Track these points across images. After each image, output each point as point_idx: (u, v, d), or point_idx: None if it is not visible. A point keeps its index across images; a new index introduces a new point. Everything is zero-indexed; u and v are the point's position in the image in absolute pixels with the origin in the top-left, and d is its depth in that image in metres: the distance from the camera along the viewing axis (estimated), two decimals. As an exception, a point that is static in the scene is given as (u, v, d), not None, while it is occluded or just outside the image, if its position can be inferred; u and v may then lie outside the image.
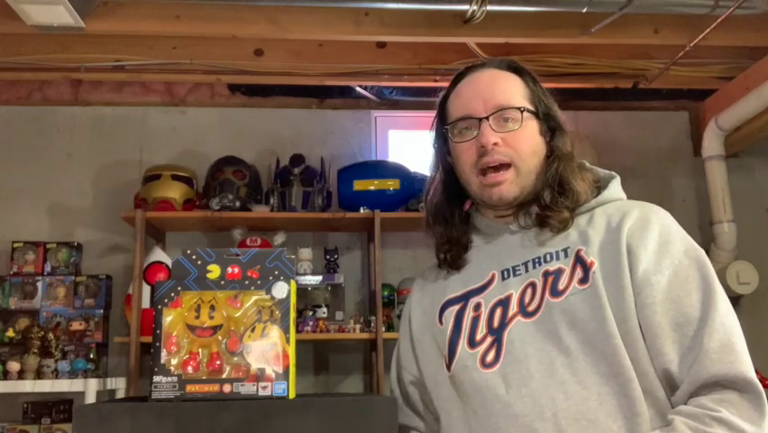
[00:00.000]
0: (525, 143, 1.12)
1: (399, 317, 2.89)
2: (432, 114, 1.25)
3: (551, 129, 1.16)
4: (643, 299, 1.00)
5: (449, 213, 1.21)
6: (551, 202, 1.11)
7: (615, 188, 1.16)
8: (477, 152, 1.12)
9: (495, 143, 1.10)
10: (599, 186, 1.16)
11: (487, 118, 1.12)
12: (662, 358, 0.98)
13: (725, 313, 0.98)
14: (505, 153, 1.11)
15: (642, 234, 1.05)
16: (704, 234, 3.28)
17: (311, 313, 2.86)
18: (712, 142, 3.22)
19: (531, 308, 1.06)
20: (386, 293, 2.95)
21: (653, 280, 1.01)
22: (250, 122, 3.29)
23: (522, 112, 1.12)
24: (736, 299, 3.14)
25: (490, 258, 1.15)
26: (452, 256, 1.19)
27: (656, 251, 1.03)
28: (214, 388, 0.96)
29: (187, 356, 0.97)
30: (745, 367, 0.95)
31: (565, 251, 1.08)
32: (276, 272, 1.04)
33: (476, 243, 1.20)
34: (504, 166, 1.11)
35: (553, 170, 1.13)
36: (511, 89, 1.16)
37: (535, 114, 1.15)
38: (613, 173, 1.19)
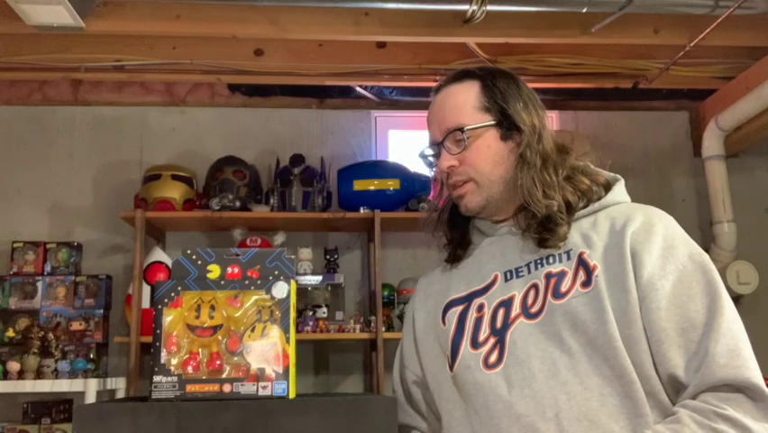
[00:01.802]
0: (479, 159, 1.13)
1: (399, 317, 2.90)
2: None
3: (518, 130, 1.13)
4: (648, 304, 1.00)
5: (450, 216, 1.23)
6: (542, 229, 1.09)
7: (619, 192, 1.16)
8: (444, 174, 1.17)
9: (450, 167, 1.14)
10: (604, 187, 1.15)
11: (442, 144, 1.15)
12: (668, 363, 0.97)
13: (731, 318, 0.98)
14: (462, 173, 1.14)
15: (646, 238, 1.04)
16: (704, 234, 3.28)
17: (311, 313, 2.86)
18: (712, 142, 3.23)
19: (534, 310, 1.06)
20: (386, 293, 2.95)
21: (658, 286, 1.00)
22: (250, 122, 3.29)
23: (464, 131, 1.12)
24: (735, 299, 3.13)
25: (493, 259, 1.15)
26: (456, 256, 1.21)
27: (661, 255, 1.03)
28: (214, 388, 0.96)
29: (187, 356, 0.97)
30: (752, 372, 0.94)
31: (568, 253, 1.08)
32: (276, 272, 1.04)
33: (479, 244, 1.20)
34: (465, 181, 1.14)
35: (520, 185, 1.10)
36: (460, 106, 1.14)
37: (494, 123, 1.13)
38: (617, 176, 1.19)
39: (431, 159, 1.21)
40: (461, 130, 1.12)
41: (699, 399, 0.95)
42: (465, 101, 1.15)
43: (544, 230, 1.09)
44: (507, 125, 1.13)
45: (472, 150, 1.13)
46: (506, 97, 1.14)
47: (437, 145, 1.16)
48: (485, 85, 1.15)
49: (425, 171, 1.31)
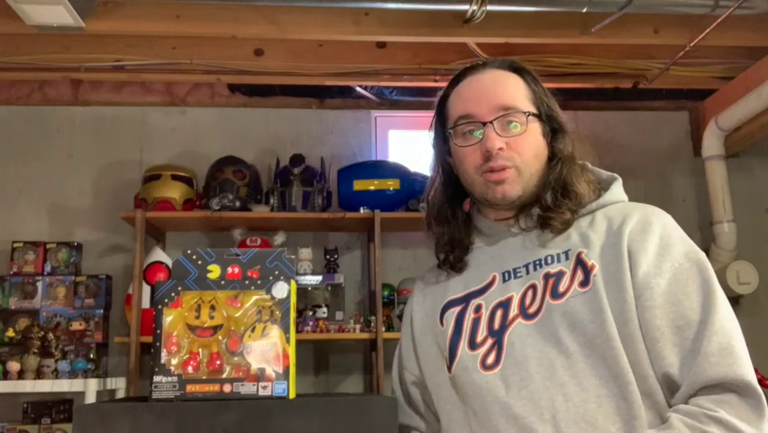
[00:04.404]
0: (528, 148, 1.11)
1: (399, 317, 2.90)
2: (432, 114, 1.23)
3: (553, 130, 1.15)
4: (643, 303, 1.00)
5: (451, 213, 1.20)
6: (553, 204, 1.10)
7: (616, 191, 1.16)
8: (482, 156, 1.11)
9: (500, 148, 1.09)
10: (601, 188, 1.16)
11: (492, 122, 1.10)
12: (663, 362, 0.97)
13: (724, 316, 0.98)
14: (508, 158, 1.10)
15: (643, 237, 1.04)
16: (704, 235, 3.28)
17: (311, 313, 2.86)
18: (712, 142, 3.23)
19: (531, 310, 1.06)
20: (386, 293, 2.95)
21: (653, 283, 1.00)
22: (250, 122, 3.29)
23: (527, 116, 1.11)
24: (735, 299, 3.13)
25: (491, 260, 1.15)
26: (454, 258, 1.18)
27: (657, 254, 1.03)
28: (215, 388, 0.96)
29: (188, 356, 0.97)
30: (744, 370, 0.94)
31: (566, 253, 1.08)
32: (276, 272, 1.04)
33: (477, 244, 1.19)
34: (507, 167, 1.11)
35: (557, 172, 1.12)
36: (514, 91, 1.14)
37: (538, 116, 1.14)
38: (615, 175, 1.19)
39: (461, 133, 1.13)
40: (524, 114, 1.11)
41: (691, 402, 0.95)
42: (519, 88, 1.15)
43: (547, 210, 1.09)
44: (547, 123, 1.14)
45: (524, 136, 1.11)
46: (547, 96, 1.16)
47: (482, 123, 1.10)
48: (528, 82, 1.16)
49: (426, 168, 1.27)
